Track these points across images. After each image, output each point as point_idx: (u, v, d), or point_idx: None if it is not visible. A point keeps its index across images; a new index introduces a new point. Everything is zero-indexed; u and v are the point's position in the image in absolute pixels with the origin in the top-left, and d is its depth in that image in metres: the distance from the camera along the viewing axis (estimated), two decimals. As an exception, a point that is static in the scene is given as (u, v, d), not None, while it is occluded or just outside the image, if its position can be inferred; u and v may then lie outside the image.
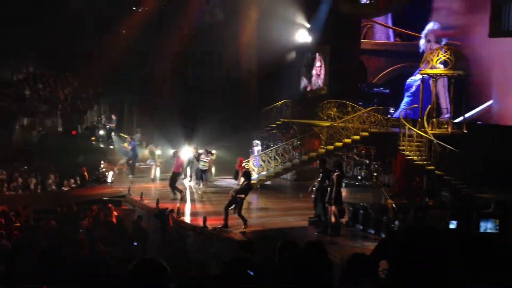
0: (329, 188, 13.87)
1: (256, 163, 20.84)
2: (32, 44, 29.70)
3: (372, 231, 14.13)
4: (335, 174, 13.74)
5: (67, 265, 11.68)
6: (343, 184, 14.33)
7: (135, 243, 14.74)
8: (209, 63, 28.08)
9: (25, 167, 24.19)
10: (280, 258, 4.16)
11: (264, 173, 20.92)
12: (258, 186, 20.52)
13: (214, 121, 25.95)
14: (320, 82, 28.28)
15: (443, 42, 23.54)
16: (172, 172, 19.49)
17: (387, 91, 27.45)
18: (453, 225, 9.15)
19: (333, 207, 13.66)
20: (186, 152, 21.95)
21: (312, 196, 14.51)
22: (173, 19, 28.68)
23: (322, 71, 27.99)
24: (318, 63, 28.16)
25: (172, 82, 29.43)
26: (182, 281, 3.60)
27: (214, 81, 27.87)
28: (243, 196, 14.93)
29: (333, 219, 13.67)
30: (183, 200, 18.62)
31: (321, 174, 14.37)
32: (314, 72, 28.41)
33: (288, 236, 12.79)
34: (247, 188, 15.17)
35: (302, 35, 28.07)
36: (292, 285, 3.44)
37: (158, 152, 23.38)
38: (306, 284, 3.43)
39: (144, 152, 25.78)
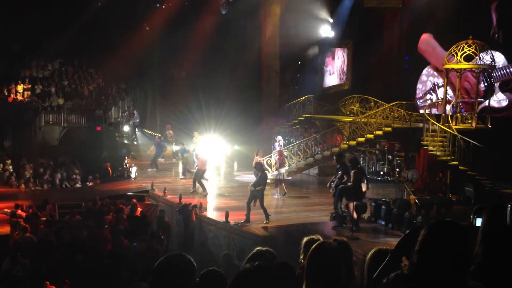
0: (349, 183, 13.82)
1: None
2: (57, 41, 30.06)
3: (395, 227, 14.04)
4: (352, 171, 13.69)
5: (91, 259, 11.85)
6: (364, 180, 14.21)
7: (162, 237, 14.90)
8: (231, 59, 28.11)
9: (51, 163, 24.55)
10: (305, 254, 4.18)
11: (286, 168, 20.91)
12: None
13: (236, 117, 26.01)
14: (342, 73, 28.21)
15: None
16: (197, 169, 19.43)
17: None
18: (479, 222, 9.10)
19: (353, 203, 13.64)
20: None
21: (331, 191, 14.46)
22: (195, 15, 28.77)
23: (345, 65, 27.90)
24: (339, 53, 28.15)
25: (195, 78, 29.56)
26: (206, 275, 3.64)
27: (236, 77, 27.91)
28: (262, 187, 14.97)
29: (355, 215, 13.63)
30: (205, 197, 18.57)
31: (339, 170, 14.31)
32: (338, 63, 28.43)
33: (310, 231, 12.81)
34: (264, 178, 15.20)
35: (325, 30, 27.91)
36: (315, 280, 3.46)
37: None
38: (327, 279, 3.45)
39: (173, 148, 25.80)
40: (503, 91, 20.66)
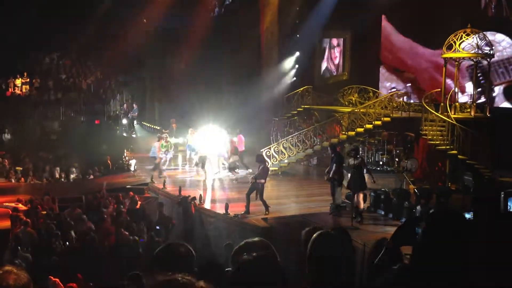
0: (349, 174, 13.87)
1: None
2: (55, 34, 29.92)
3: (394, 216, 14.08)
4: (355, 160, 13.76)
5: (91, 252, 11.88)
6: (364, 170, 14.29)
7: (158, 227, 14.93)
8: (230, 50, 28.02)
9: (50, 157, 24.54)
10: (305, 244, 4.19)
11: (286, 160, 20.96)
12: (280, 173, 20.66)
13: (236, 108, 25.96)
14: (340, 65, 28.16)
15: None
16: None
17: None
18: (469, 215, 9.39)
19: (357, 194, 13.70)
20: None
21: (326, 179, 14.60)
22: (194, 6, 28.67)
23: (344, 56, 27.83)
24: (338, 42, 28.07)
25: (193, 70, 29.48)
26: (205, 266, 3.68)
27: (236, 67, 27.84)
28: (263, 180, 14.96)
29: (361, 205, 13.71)
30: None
31: (333, 160, 14.44)
32: (336, 54, 28.34)
33: (309, 222, 12.83)
34: (265, 171, 15.20)
35: (324, 20, 27.78)
36: (318, 268, 3.48)
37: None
38: (330, 268, 3.47)
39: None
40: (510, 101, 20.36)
